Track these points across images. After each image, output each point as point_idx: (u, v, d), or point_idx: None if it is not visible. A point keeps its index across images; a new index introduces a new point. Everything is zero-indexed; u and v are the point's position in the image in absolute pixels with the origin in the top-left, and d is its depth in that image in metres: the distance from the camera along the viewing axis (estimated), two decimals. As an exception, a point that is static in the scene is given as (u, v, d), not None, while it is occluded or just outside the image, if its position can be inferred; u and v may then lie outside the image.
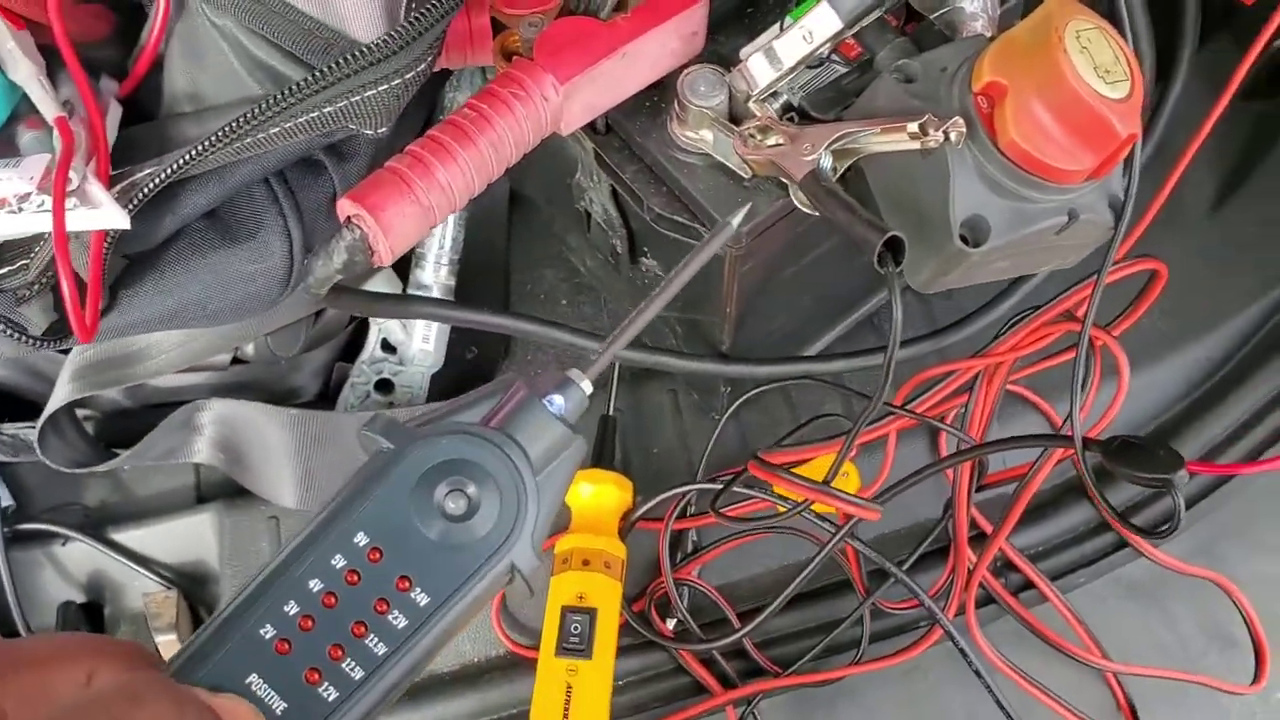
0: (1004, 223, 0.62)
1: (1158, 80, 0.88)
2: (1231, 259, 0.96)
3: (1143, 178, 0.83)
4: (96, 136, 0.64)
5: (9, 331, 0.64)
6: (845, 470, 0.89)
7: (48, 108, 0.63)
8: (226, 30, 0.66)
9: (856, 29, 0.67)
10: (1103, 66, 0.58)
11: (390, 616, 0.43)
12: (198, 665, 0.42)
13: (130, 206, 0.62)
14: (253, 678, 0.42)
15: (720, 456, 0.95)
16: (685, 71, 0.70)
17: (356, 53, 0.59)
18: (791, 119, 0.69)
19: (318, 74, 0.60)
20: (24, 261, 0.64)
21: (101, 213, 0.61)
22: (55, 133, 0.62)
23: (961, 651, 0.84)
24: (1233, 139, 0.98)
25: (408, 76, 0.62)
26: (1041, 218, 0.62)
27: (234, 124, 0.61)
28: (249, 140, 0.62)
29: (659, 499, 0.91)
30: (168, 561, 0.94)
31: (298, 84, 0.60)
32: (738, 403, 0.94)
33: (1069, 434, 0.71)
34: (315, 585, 0.44)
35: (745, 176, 0.70)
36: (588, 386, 0.50)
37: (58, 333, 0.66)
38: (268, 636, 0.43)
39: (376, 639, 0.43)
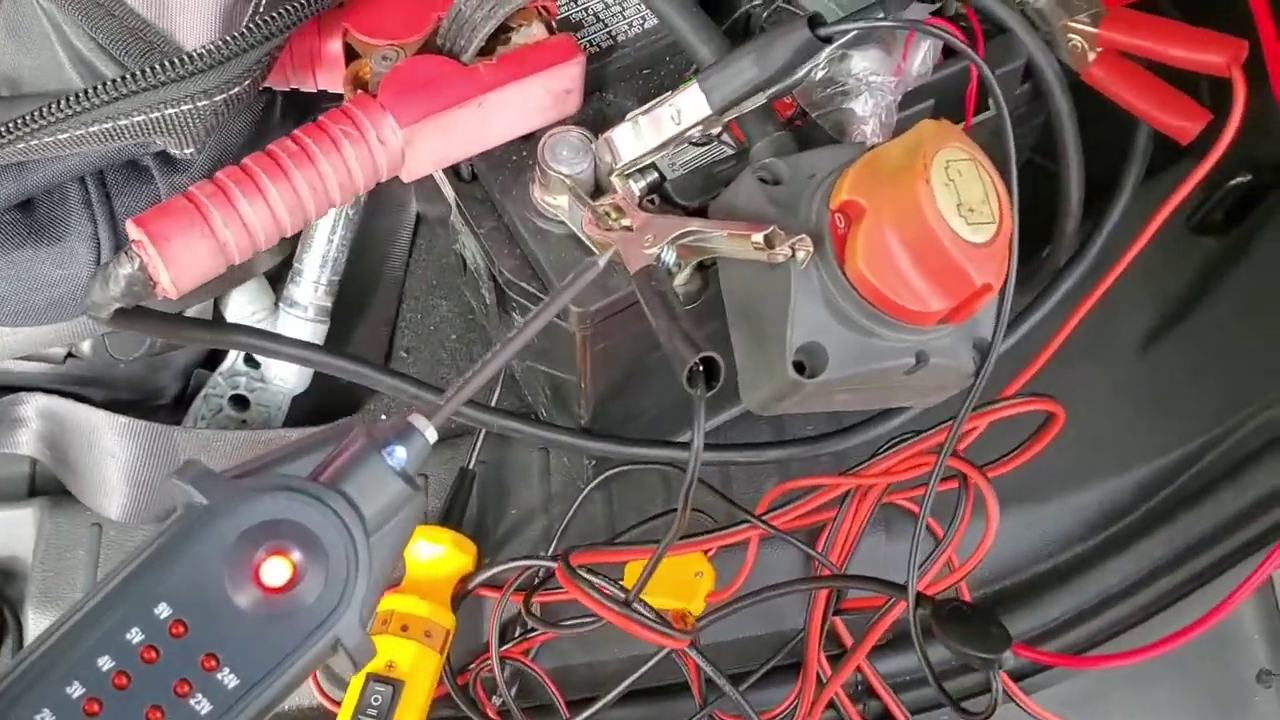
0: (845, 355, 0.56)
1: (1095, 206, 0.82)
2: (1151, 403, 0.89)
3: (1064, 306, 0.78)
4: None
5: None
6: (701, 570, 0.82)
7: None
8: (53, 15, 0.60)
9: (734, 115, 0.61)
10: (968, 204, 0.52)
11: (192, 701, 0.38)
12: None
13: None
14: None
15: (586, 529, 0.89)
16: (550, 133, 0.64)
17: (164, 64, 0.54)
18: (653, 201, 0.63)
19: (115, 82, 0.54)
20: None
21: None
22: None
23: (787, 786, 0.78)
24: (1178, 274, 0.92)
25: (217, 99, 0.56)
26: (888, 356, 0.56)
27: (17, 122, 0.55)
28: (37, 143, 0.56)
29: (500, 568, 0.85)
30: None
31: (87, 91, 0.54)
32: (604, 475, 0.88)
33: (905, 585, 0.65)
34: (105, 664, 0.38)
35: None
36: (431, 435, 0.45)
37: None
38: None
39: None
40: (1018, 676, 0.87)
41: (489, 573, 0.85)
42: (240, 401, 0.90)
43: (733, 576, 0.84)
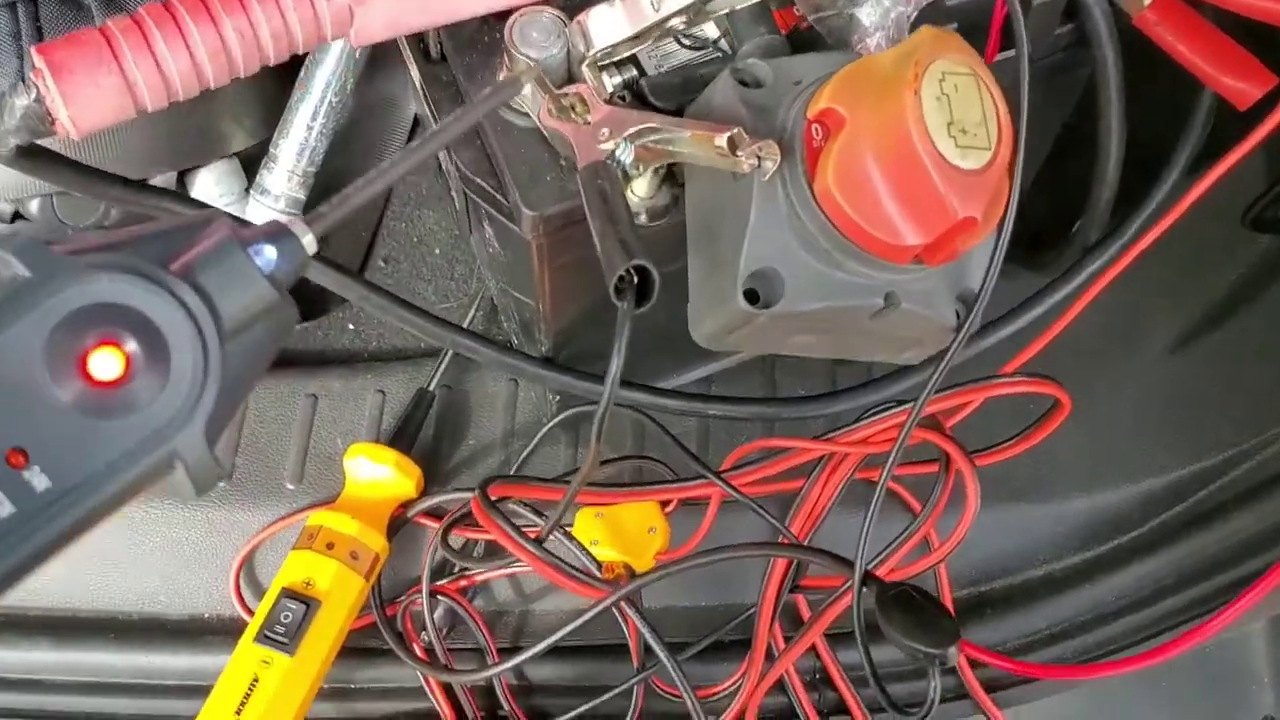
0: (805, 287, 0.49)
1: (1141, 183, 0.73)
2: (1175, 411, 0.81)
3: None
4: None
5: None
6: (655, 526, 0.76)
7: None
8: None
9: (724, 10, 0.54)
10: (960, 124, 0.44)
11: None
12: None
13: None
14: None
15: (546, 468, 0.83)
16: (521, 12, 0.57)
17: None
18: (623, 98, 0.56)
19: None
20: None
21: None
22: None
23: (715, 769, 0.72)
24: (1224, 272, 0.83)
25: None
26: (853, 293, 0.49)
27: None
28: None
29: (443, 497, 0.79)
30: None
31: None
32: (568, 413, 0.81)
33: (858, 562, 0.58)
34: None
35: (562, 154, 0.58)
36: (310, 243, 0.38)
37: None
38: None
39: None
40: (992, 687, 0.80)
41: (430, 501, 0.79)
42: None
43: (689, 538, 0.78)
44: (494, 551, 0.80)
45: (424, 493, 0.80)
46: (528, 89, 0.57)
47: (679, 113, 0.56)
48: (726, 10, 0.54)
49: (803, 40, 0.57)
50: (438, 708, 0.78)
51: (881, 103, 0.45)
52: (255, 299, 0.36)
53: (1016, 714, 0.82)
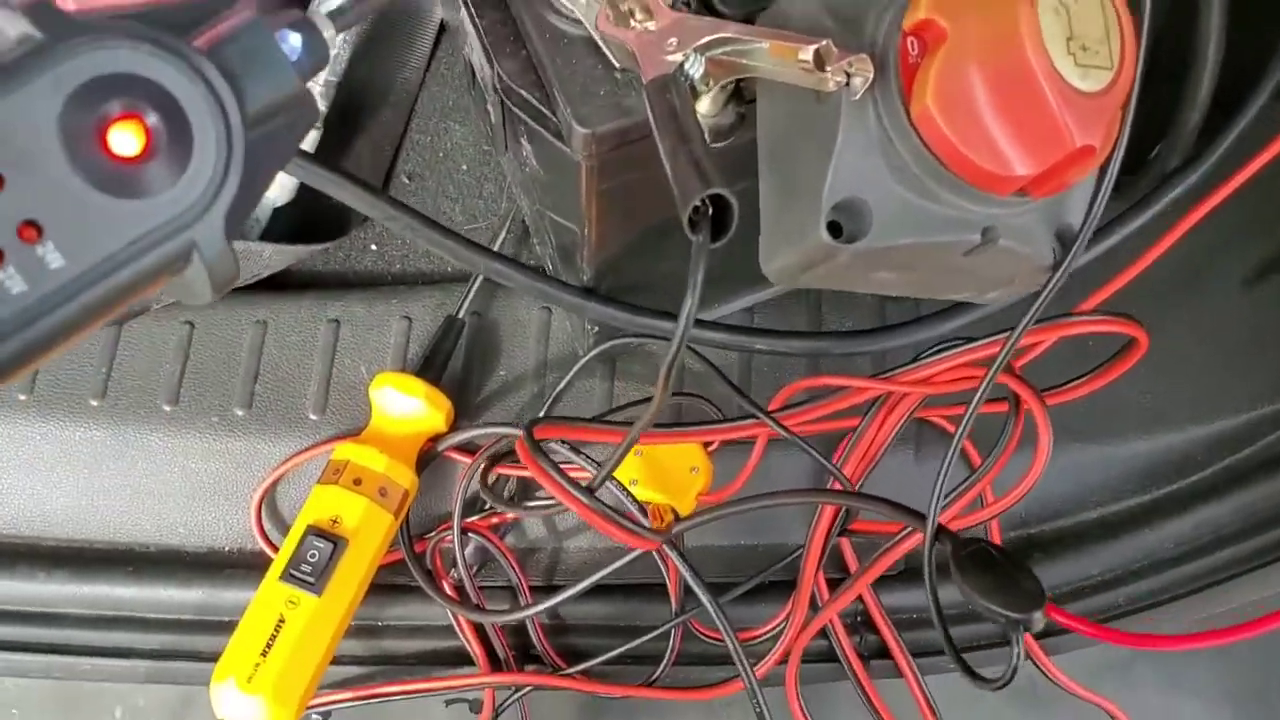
0: (895, 219, 0.44)
1: (1226, 104, 0.68)
2: (1246, 348, 0.77)
3: (1168, 221, 0.65)
4: None
5: None
6: (697, 465, 0.72)
7: None
8: None
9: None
10: (1081, 40, 0.40)
11: (2, 275, 0.29)
12: None
13: None
14: None
15: (581, 403, 0.79)
16: (577, -94, 0.52)
17: None
18: (687, 4, 0.51)
19: None
20: None
21: None
22: None
23: (758, 714, 0.69)
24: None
25: None
26: (948, 228, 0.44)
27: None
28: None
29: (475, 432, 0.75)
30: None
31: None
32: (606, 345, 0.77)
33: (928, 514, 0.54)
34: None
35: (618, 66, 0.53)
36: (332, 38, 0.37)
37: None
38: None
39: None
40: (1039, 635, 0.77)
41: (461, 436, 0.75)
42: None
43: (733, 478, 0.74)
44: (527, 487, 0.76)
45: (454, 426, 0.77)
46: (583, -6, 0.52)
47: (750, 21, 0.51)
48: (805, -93, 0.49)
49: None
50: (468, 647, 0.76)
51: (990, 14, 0.40)
52: (280, 86, 0.34)
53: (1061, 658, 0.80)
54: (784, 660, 0.73)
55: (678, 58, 0.46)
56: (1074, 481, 0.79)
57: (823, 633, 0.76)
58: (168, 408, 0.78)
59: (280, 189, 0.80)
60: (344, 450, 0.72)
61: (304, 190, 0.82)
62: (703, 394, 0.74)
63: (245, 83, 0.33)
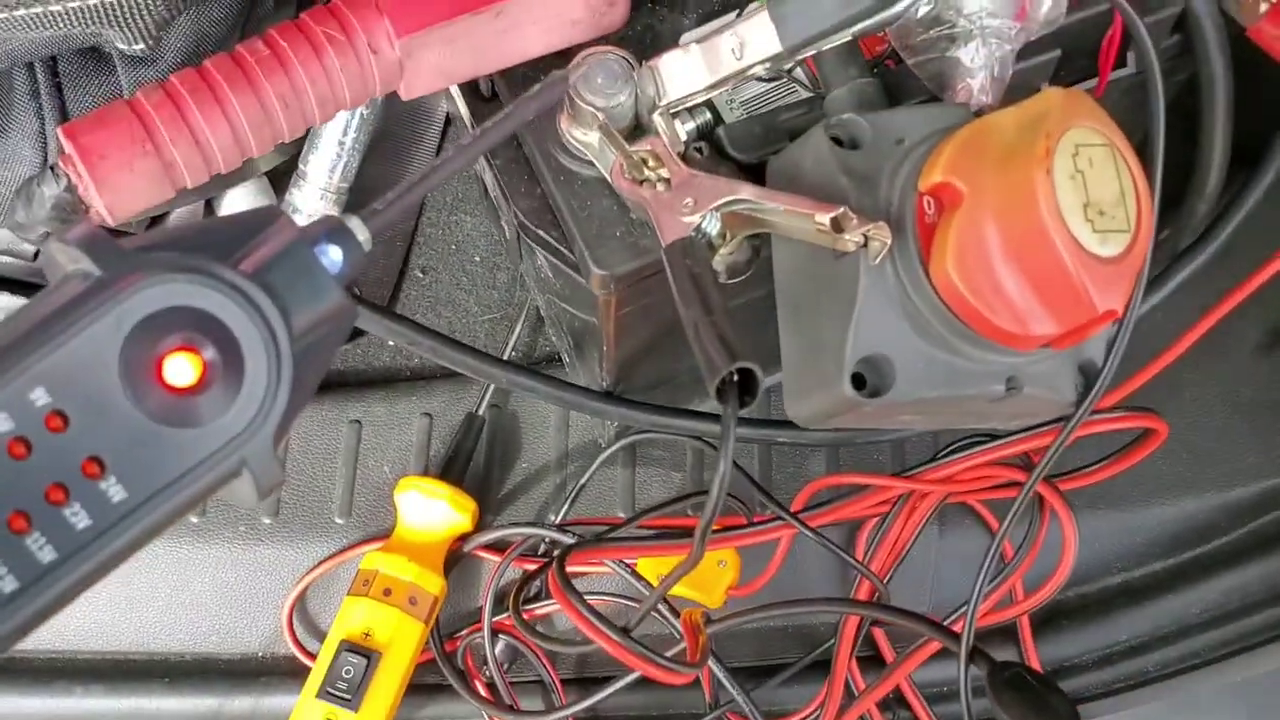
0: (918, 374, 0.45)
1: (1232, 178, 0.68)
2: (1266, 414, 0.77)
3: (1179, 298, 0.66)
4: None
5: None
6: (725, 560, 0.73)
7: None
8: None
9: (811, 53, 0.49)
10: (1098, 205, 0.40)
11: (67, 512, 0.30)
12: None
13: None
14: None
15: (604, 493, 0.80)
16: (586, 53, 0.52)
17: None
18: (700, 150, 0.52)
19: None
20: None
21: None
22: None
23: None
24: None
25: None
26: (972, 381, 0.45)
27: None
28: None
29: (501, 532, 0.76)
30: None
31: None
32: (627, 440, 0.78)
33: (957, 629, 0.55)
34: None
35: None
36: (366, 241, 0.37)
37: None
38: None
39: (42, 541, 0.30)
40: (1077, 699, 0.78)
41: (488, 536, 0.76)
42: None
43: (760, 563, 0.74)
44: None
45: (480, 523, 0.77)
46: (594, 139, 0.52)
47: (761, 166, 0.51)
48: (813, 53, 0.49)
49: (893, 80, 0.52)
50: (503, 748, 0.76)
51: (1006, 180, 0.41)
52: (324, 301, 0.35)
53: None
54: (818, 749, 0.74)
55: (694, 219, 0.47)
56: (1096, 548, 0.79)
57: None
58: (195, 519, 0.78)
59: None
60: (372, 559, 0.73)
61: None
62: (732, 493, 0.75)
63: (292, 304, 0.33)
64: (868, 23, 0.47)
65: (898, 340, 0.44)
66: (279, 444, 0.34)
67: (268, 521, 0.79)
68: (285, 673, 0.78)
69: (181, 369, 0.31)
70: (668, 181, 0.49)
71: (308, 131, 0.77)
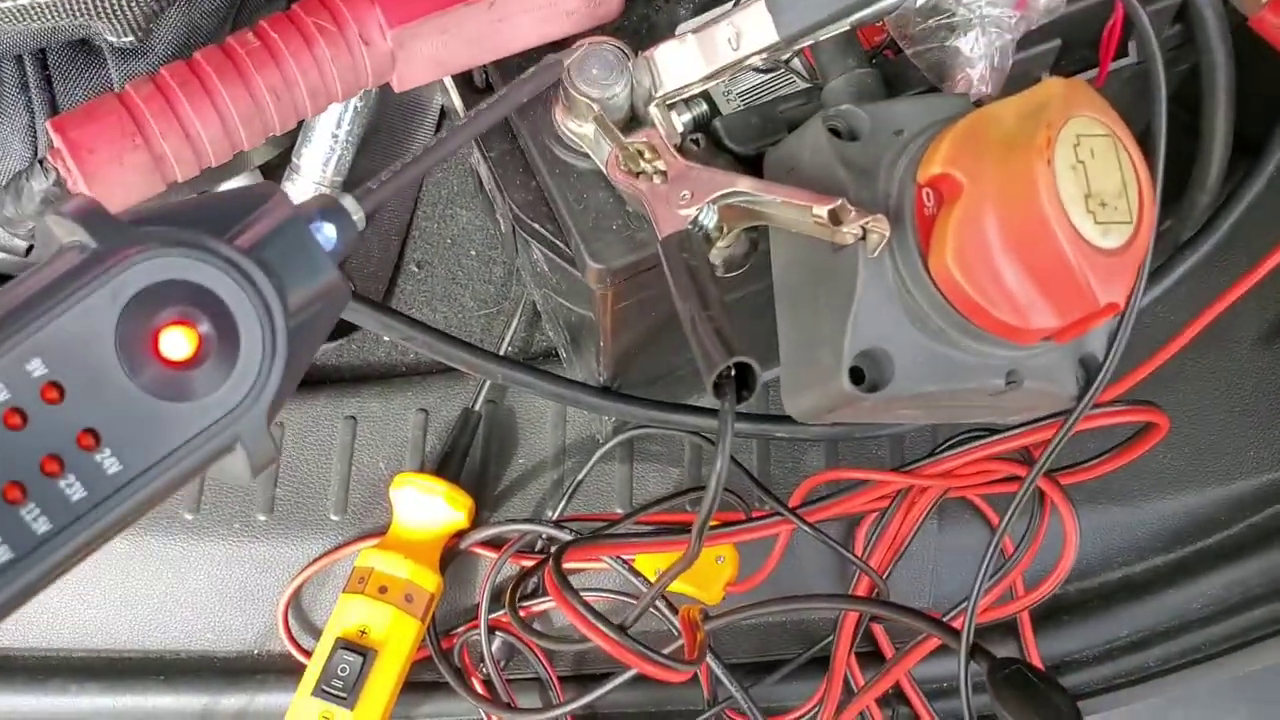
0: (917, 368, 0.44)
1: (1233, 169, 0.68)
2: (1267, 408, 0.77)
3: (1180, 290, 0.65)
4: None
5: None
6: (723, 555, 0.72)
7: None
8: None
9: (808, 43, 0.48)
10: (1099, 196, 0.39)
11: (62, 483, 0.30)
12: None
13: None
14: None
15: (601, 489, 0.80)
16: (581, 43, 0.51)
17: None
18: (696, 141, 0.51)
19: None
20: None
21: None
22: None
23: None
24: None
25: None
26: (971, 375, 0.44)
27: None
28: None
29: (498, 529, 0.75)
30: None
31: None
32: (624, 436, 0.77)
33: (957, 626, 0.54)
34: None
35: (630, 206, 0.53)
36: (360, 220, 0.38)
37: None
38: None
39: (37, 511, 0.30)
40: (1078, 694, 0.77)
41: (484, 533, 0.75)
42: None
43: (758, 561, 0.74)
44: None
45: (476, 520, 0.77)
46: (590, 130, 0.52)
47: (759, 158, 0.51)
48: (811, 43, 0.49)
49: (891, 70, 0.51)
50: (500, 746, 0.76)
51: (1006, 171, 0.40)
52: (319, 278, 0.35)
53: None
54: (817, 745, 0.73)
55: (691, 212, 0.46)
56: (1097, 542, 0.79)
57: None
58: (189, 516, 0.78)
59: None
60: (368, 556, 0.73)
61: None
62: (730, 488, 0.74)
63: (287, 280, 0.34)
64: (865, 12, 0.47)
65: (897, 334, 0.44)
66: (271, 420, 0.34)
67: (262, 518, 0.78)
68: (280, 670, 0.77)
69: (177, 343, 0.32)
70: (664, 174, 0.48)
71: (301, 125, 0.77)
